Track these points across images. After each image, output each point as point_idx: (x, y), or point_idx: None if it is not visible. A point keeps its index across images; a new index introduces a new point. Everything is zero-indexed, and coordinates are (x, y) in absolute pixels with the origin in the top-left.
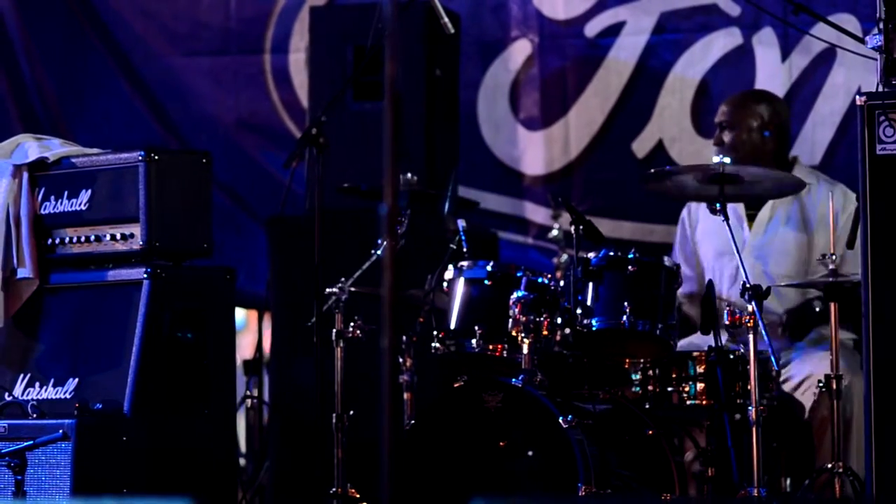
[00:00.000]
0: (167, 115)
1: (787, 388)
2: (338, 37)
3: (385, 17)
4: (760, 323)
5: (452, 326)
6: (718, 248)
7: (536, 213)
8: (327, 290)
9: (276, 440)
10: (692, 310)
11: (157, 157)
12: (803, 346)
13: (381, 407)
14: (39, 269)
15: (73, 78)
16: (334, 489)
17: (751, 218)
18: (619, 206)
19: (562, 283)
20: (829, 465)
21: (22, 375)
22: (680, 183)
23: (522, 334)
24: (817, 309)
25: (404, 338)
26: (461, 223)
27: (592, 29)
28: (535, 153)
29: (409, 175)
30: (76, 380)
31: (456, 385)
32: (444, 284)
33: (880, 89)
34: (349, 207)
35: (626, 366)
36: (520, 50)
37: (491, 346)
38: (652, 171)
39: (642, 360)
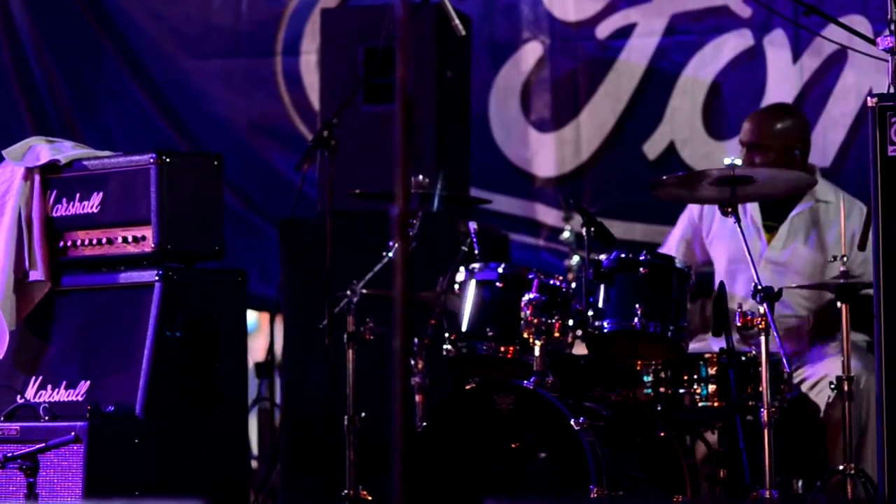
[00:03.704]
0: (178, 118)
1: (803, 388)
2: (349, 39)
3: (396, 19)
4: (772, 325)
5: (464, 328)
6: (732, 253)
7: (548, 215)
8: (339, 292)
9: (287, 442)
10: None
11: (168, 160)
12: (819, 347)
13: (392, 409)
14: (51, 271)
15: (84, 81)
16: (346, 491)
17: (768, 230)
18: (630, 208)
19: (573, 284)
20: (842, 467)
21: (34, 378)
22: (691, 187)
23: (534, 336)
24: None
25: (416, 340)
26: (472, 225)
27: (603, 31)
28: (546, 155)
29: (420, 177)
30: (88, 382)
31: (467, 387)
32: (456, 286)
33: (891, 91)
34: (361, 210)
35: (638, 367)
36: (531, 52)
37: (502, 348)
38: (664, 177)
39: (654, 362)
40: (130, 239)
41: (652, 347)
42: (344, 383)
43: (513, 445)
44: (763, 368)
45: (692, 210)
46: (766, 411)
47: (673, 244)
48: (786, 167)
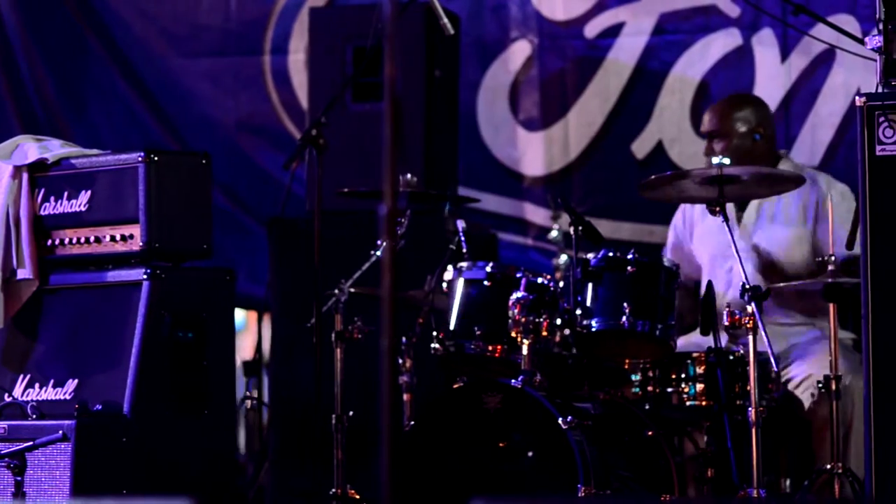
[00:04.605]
0: (167, 117)
1: (789, 387)
2: (337, 38)
3: (385, 18)
4: (760, 324)
5: (452, 327)
6: (713, 250)
7: (536, 214)
8: (327, 291)
9: (275, 441)
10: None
11: (156, 158)
12: (805, 345)
13: (380, 408)
14: (39, 270)
15: (72, 79)
16: (334, 490)
17: (738, 219)
18: (618, 207)
19: (561, 283)
20: (829, 466)
21: (22, 376)
22: (679, 186)
23: (522, 335)
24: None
25: (404, 339)
26: (461, 224)
27: (592, 30)
28: (534, 154)
29: (408, 176)
30: (76, 381)
31: (455, 386)
32: (444, 285)
33: (880, 90)
34: (349, 208)
35: (626, 366)
36: (519, 51)
37: (490, 347)
38: (652, 177)
39: (642, 361)
40: (118, 237)
41: (640, 346)
42: (332, 382)
43: (501, 444)
44: (751, 367)
45: (676, 218)
46: (753, 410)
47: (668, 253)
48: (746, 153)
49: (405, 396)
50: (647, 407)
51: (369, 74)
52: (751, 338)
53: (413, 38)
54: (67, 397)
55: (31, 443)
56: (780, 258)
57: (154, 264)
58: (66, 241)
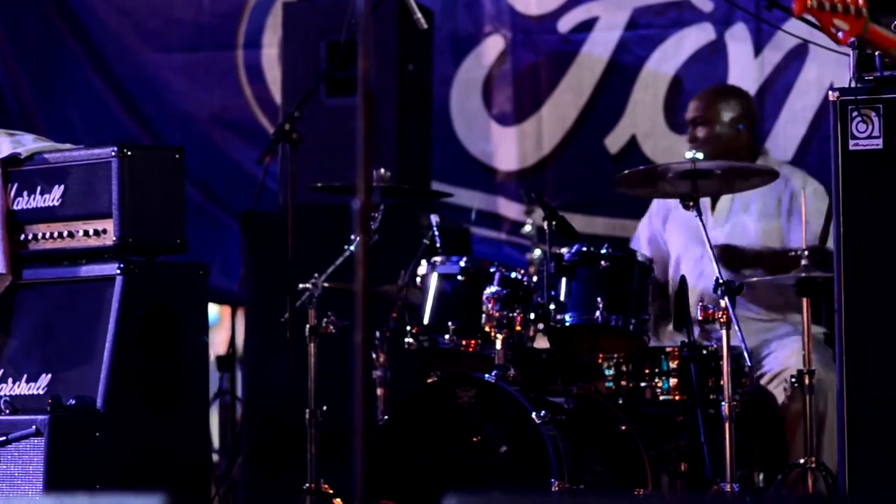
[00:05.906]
0: (140, 111)
1: (762, 381)
2: (311, 32)
3: (358, 13)
4: (733, 318)
5: (426, 322)
6: (687, 242)
7: (509, 209)
8: (300, 285)
9: (249, 436)
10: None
11: (129, 153)
12: (778, 339)
13: (354, 402)
14: (12, 264)
15: (46, 74)
16: (307, 484)
17: (712, 207)
18: (592, 202)
19: (535, 278)
20: (802, 461)
21: None
22: (652, 181)
23: (496, 330)
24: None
25: (377, 333)
26: (434, 219)
27: (565, 24)
28: (507, 148)
29: (382, 170)
30: (49, 375)
31: (429, 380)
32: (418, 280)
33: (853, 85)
34: (322, 203)
35: (600, 361)
36: (493, 45)
37: (464, 342)
38: (625, 172)
39: (615, 356)
40: (91, 232)
41: (614, 341)
42: (305, 377)
43: (474, 439)
44: (724, 362)
45: (650, 210)
46: (727, 405)
47: (642, 246)
48: (728, 142)
49: (379, 391)
50: (620, 401)
51: (343, 69)
52: (724, 332)
53: (386, 32)
54: (41, 392)
55: (4, 438)
56: (756, 247)
57: (127, 259)
58: (39, 235)
